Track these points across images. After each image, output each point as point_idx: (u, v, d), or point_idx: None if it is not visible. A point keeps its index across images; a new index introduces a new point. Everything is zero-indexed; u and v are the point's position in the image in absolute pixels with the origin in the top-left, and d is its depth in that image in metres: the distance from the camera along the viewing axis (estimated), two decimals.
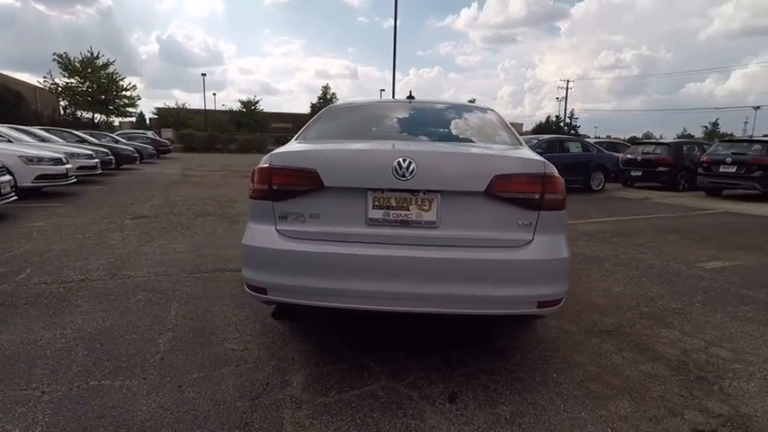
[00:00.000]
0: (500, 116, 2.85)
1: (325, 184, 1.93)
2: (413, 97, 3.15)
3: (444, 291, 1.87)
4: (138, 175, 13.10)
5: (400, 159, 1.89)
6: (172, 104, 52.37)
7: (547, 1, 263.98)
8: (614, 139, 23.69)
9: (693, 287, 3.63)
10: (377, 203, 1.93)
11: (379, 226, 1.93)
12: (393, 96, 25.97)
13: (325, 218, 1.96)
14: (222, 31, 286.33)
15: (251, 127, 47.05)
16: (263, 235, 2.02)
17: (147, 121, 55.14)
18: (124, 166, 14.89)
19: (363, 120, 2.81)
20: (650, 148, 12.87)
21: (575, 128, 59.19)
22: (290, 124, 59.63)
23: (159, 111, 51.36)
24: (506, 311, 1.93)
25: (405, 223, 1.92)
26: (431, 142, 2.41)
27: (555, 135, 14.21)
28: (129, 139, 20.57)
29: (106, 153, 12.34)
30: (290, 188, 1.98)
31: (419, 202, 1.92)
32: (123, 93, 36.22)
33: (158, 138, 26.00)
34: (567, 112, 59.13)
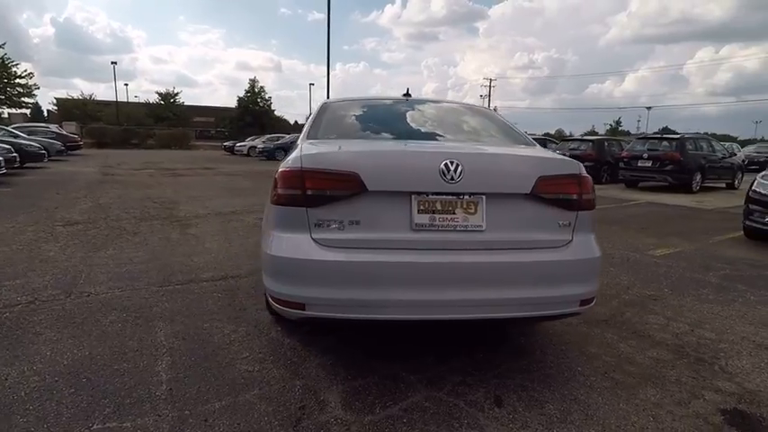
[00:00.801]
0: (502, 116, 2.88)
1: (368, 189, 1.80)
2: (410, 95, 3.07)
3: (494, 295, 1.83)
4: (50, 175, 11.56)
5: (447, 161, 1.82)
6: (75, 95, 47.01)
7: (466, 1, 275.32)
8: (543, 135, 25.38)
9: (655, 274, 3.97)
10: (422, 208, 1.84)
11: (425, 231, 1.84)
12: (328, 91, 25.58)
13: (366, 224, 1.83)
14: (129, 15, 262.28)
15: (170, 121, 43.72)
16: (297, 245, 1.83)
17: (45, 114, 49.09)
18: (29, 165, 13.06)
19: (376, 118, 2.68)
20: (576, 145, 13.98)
21: None
22: (213, 118, 56.29)
23: (60, 102, 45.81)
24: (553, 312, 1.95)
25: (452, 228, 1.85)
26: (470, 143, 2.36)
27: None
28: (30, 133, 18.03)
29: (9, 150, 10.74)
30: (328, 193, 1.82)
31: (465, 206, 1.86)
32: (17, 80, 31.77)
33: (64, 132, 23.18)
34: (491, 109, 62.20)
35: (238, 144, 28.64)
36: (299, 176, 1.84)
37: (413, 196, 1.84)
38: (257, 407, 1.86)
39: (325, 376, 2.12)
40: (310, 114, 3.23)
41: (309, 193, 1.82)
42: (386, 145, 2.19)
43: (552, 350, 2.46)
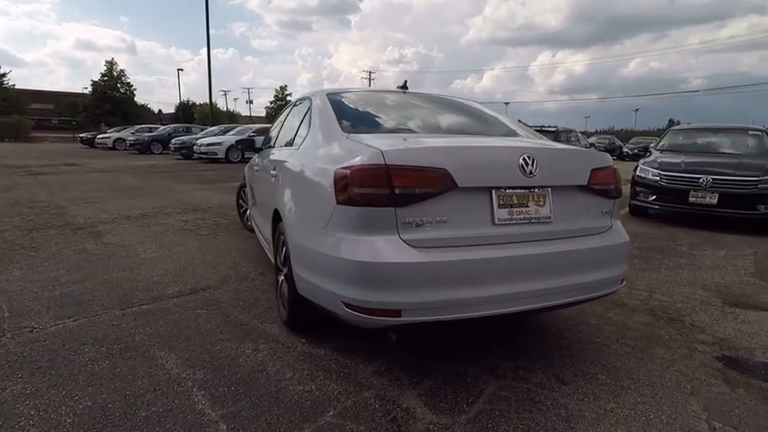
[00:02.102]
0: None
1: (459, 185, 1.75)
2: (406, 87, 3.02)
3: (562, 282, 1.94)
4: None
5: (525, 156, 1.87)
6: None
7: None
8: None
9: None
10: (501, 202, 1.86)
11: (505, 225, 1.87)
12: (210, 77, 23.48)
13: (453, 222, 1.78)
14: None
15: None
16: (388, 248, 1.71)
17: None
18: None
19: (405, 111, 2.57)
20: None
21: None
22: (52, 105, 47.37)
23: None
24: (603, 292, 2.13)
25: (527, 220, 1.91)
26: (528, 139, 2.42)
27: None
28: None
29: None
30: (418, 191, 1.72)
31: (535, 198, 1.93)
32: None
33: None
34: None
35: (100, 136, 24.76)
36: (385, 174, 1.70)
37: (493, 191, 1.85)
38: (347, 427, 1.70)
39: (390, 383, 2.02)
40: (303, 108, 2.99)
41: (398, 191, 1.70)
42: (464, 141, 2.15)
43: (564, 327, 2.70)
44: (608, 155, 2.25)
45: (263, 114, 54.24)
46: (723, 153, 6.53)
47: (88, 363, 2.11)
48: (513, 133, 2.51)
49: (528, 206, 1.91)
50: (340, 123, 2.26)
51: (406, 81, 2.99)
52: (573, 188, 2.04)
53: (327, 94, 2.69)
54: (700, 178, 5.67)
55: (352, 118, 2.38)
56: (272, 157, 3.12)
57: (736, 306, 3.09)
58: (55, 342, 2.29)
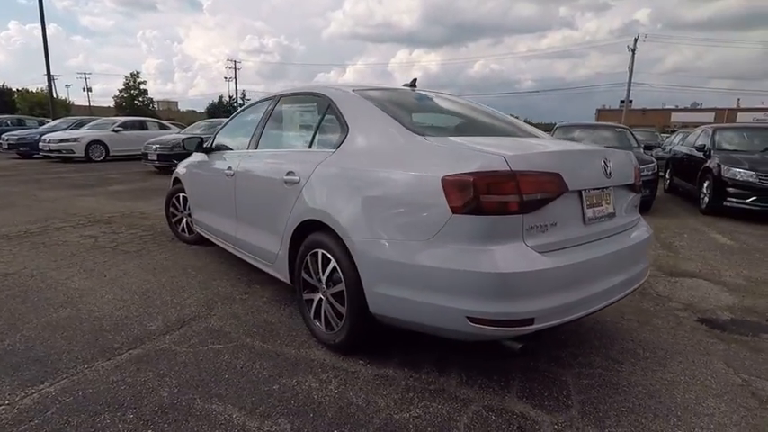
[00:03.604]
0: None
1: (569, 189, 1.78)
2: (415, 85, 2.92)
3: (627, 275, 2.11)
4: None
5: (605, 159, 1.98)
6: None
7: None
8: None
9: None
10: (588, 202, 1.94)
11: (592, 224, 1.96)
12: (47, 56, 19.25)
13: (560, 224, 1.80)
14: None
15: None
16: (519, 256, 1.65)
17: None
18: None
19: (452, 112, 2.44)
20: None
21: None
22: None
23: None
24: (640, 284, 2.32)
25: (604, 218, 2.03)
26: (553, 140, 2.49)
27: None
28: None
29: None
30: (540, 196, 1.70)
31: (605, 197, 2.07)
32: None
33: None
34: (230, 92, 60.04)
35: None
36: (512, 180, 1.64)
37: (582, 192, 1.92)
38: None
39: (483, 391, 1.97)
40: (313, 106, 2.70)
41: (525, 197, 1.66)
42: (568, 146, 2.15)
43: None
44: (632, 153, 2.52)
45: (112, 105, 46.40)
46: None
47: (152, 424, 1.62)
48: (534, 134, 2.64)
49: (602, 205, 2.05)
50: (403, 125, 2.10)
51: (415, 79, 2.90)
52: (625, 186, 2.24)
53: (355, 91, 2.47)
54: None
55: (414, 119, 2.23)
56: (274, 160, 2.75)
57: (672, 275, 3.76)
58: (49, 419, 1.70)
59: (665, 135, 18.92)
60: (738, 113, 45.39)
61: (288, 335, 2.47)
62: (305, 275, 2.41)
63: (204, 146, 3.77)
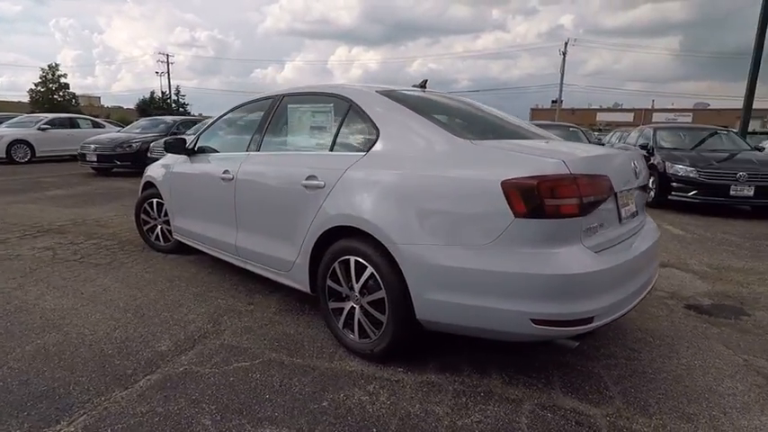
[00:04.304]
0: None
1: (615, 190, 1.85)
2: (425, 86, 2.90)
3: (652, 271, 2.24)
4: None
5: (635, 161, 2.09)
6: None
7: None
8: None
9: None
10: (621, 202, 2.04)
11: (625, 223, 2.06)
12: None
13: (605, 225, 1.88)
14: None
15: None
16: (581, 257, 1.71)
17: None
18: None
19: (472, 115, 2.44)
20: None
21: (183, 105, 57.35)
22: None
23: None
24: (656, 277, 2.47)
25: (631, 216, 2.14)
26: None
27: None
28: None
29: None
30: (594, 198, 1.76)
31: (630, 197, 2.18)
32: None
33: None
34: (162, 87, 56.63)
35: None
36: (573, 183, 1.68)
37: (617, 193, 2.01)
38: None
39: (529, 389, 2.01)
40: (329, 107, 2.61)
41: (584, 200, 1.71)
42: (601, 149, 2.20)
43: None
44: None
45: (25, 100, 41.57)
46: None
47: None
48: (550, 137, 2.74)
49: (629, 204, 2.16)
50: (445, 128, 2.07)
51: (426, 80, 2.88)
52: (641, 186, 2.38)
53: (379, 92, 2.40)
54: None
55: (447, 122, 2.20)
56: (287, 163, 2.62)
57: None
58: None
59: (596, 133, 20.45)
60: (654, 113, 50.11)
61: (313, 346, 2.37)
62: (331, 284, 2.32)
63: (187, 147, 3.50)
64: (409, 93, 2.57)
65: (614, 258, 1.84)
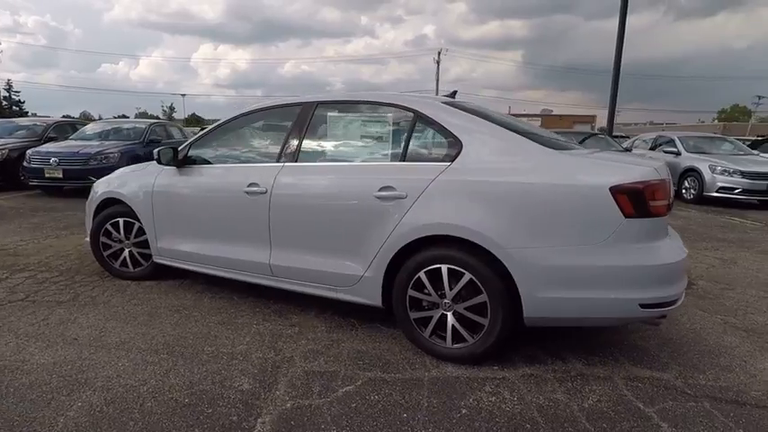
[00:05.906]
0: None
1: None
2: (454, 96, 3.01)
3: None
4: None
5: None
6: None
7: None
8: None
9: None
10: None
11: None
12: None
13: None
14: None
15: None
16: (672, 248, 2.09)
17: None
18: None
19: (516, 124, 2.60)
20: None
21: (18, 103, 47.66)
22: None
23: None
24: None
25: None
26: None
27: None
28: None
29: None
30: (670, 199, 2.09)
31: None
32: None
33: None
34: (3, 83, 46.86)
35: None
36: (666, 186, 2.01)
37: None
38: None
39: (608, 369, 2.30)
40: (392, 119, 2.60)
41: (670, 201, 2.04)
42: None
43: None
44: None
45: None
46: None
47: None
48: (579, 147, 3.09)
49: None
50: (532, 140, 2.24)
51: (455, 91, 3.00)
52: None
53: (445, 103, 2.47)
54: None
55: (522, 133, 2.35)
56: (352, 175, 2.53)
57: None
58: None
59: None
60: None
61: (397, 359, 2.34)
62: (414, 293, 2.33)
63: (178, 158, 3.08)
64: (467, 104, 2.68)
65: (683, 249, 2.23)
